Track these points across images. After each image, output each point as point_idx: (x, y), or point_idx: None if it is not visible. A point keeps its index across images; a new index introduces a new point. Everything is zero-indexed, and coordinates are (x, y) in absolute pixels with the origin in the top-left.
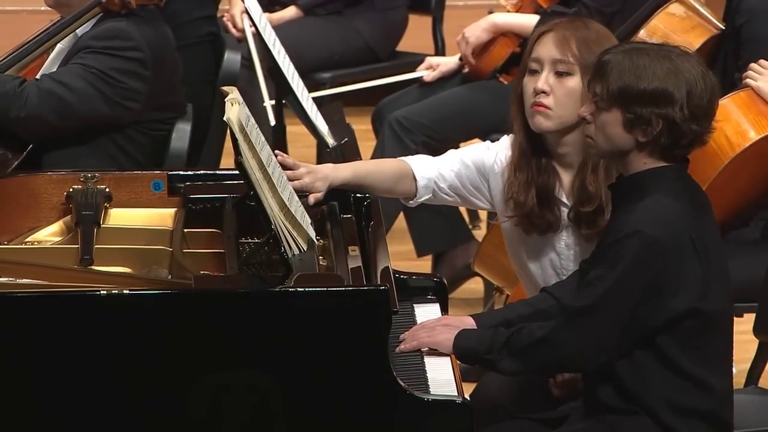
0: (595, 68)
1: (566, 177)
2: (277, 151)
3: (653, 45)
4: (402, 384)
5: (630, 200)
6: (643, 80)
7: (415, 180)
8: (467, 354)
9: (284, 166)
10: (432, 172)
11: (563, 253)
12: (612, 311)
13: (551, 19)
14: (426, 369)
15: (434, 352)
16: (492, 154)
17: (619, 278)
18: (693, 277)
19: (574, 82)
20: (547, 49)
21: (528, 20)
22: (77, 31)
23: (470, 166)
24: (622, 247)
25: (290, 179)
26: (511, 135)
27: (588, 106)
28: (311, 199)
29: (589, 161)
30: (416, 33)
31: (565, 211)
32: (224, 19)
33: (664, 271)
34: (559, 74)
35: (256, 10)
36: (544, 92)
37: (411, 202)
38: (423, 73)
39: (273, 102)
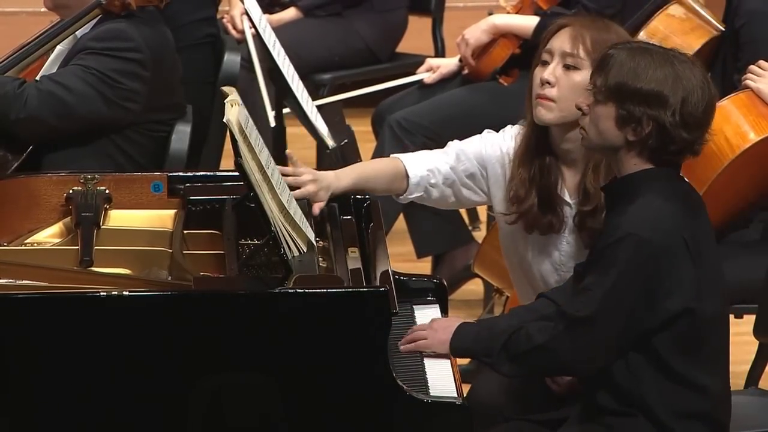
0: (599, 61)
1: (570, 176)
2: (288, 151)
3: (660, 48)
4: (402, 385)
5: (622, 202)
6: (641, 80)
7: (408, 178)
8: (465, 355)
9: (286, 174)
10: (423, 169)
11: (564, 251)
12: (610, 318)
13: (551, 20)
14: (425, 370)
15: (434, 353)
16: (493, 142)
17: (614, 283)
18: (686, 278)
19: (581, 77)
20: (560, 41)
21: (528, 22)
22: (77, 32)
23: (469, 156)
24: (615, 251)
25: (292, 186)
26: (518, 125)
27: (586, 97)
28: (316, 209)
29: (591, 161)
30: (416, 34)
31: (568, 209)
32: (224, 20)
33: (657, 273)
34: (567, 67)
35: (255, 11)
36: (548, 83)
37: (401, 198)
38: (423, 75)
39: (274, 112)
